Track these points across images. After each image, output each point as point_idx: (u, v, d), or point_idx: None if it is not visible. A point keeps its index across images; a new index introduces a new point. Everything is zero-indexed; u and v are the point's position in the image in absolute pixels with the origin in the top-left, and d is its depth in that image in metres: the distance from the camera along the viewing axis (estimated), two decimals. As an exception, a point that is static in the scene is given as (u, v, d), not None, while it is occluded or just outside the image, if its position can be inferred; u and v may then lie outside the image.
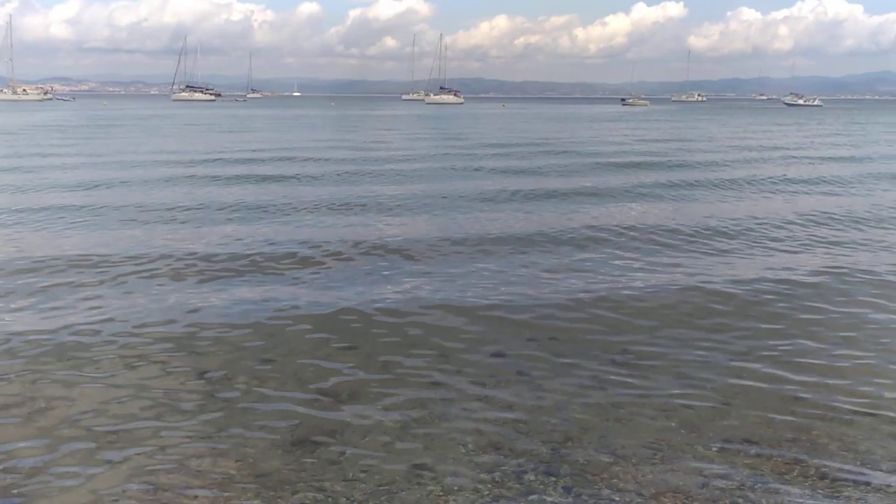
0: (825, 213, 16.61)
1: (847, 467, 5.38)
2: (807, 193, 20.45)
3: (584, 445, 5.72)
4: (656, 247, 12.87)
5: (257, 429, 5.93)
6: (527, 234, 13.96)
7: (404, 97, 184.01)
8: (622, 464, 5.46)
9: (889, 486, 5.14)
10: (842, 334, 8.34)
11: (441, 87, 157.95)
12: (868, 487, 5.11)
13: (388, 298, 9.57)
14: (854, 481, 5.20)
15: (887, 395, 6.67)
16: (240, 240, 13.13)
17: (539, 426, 6.04)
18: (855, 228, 14.87)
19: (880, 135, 53.00)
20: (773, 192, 20.55)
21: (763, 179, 23.49)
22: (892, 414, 6.26)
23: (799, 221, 15.55)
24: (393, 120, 76.54)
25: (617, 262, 11.70)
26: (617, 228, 14.44)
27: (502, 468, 5.37)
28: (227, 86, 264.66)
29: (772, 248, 12.87)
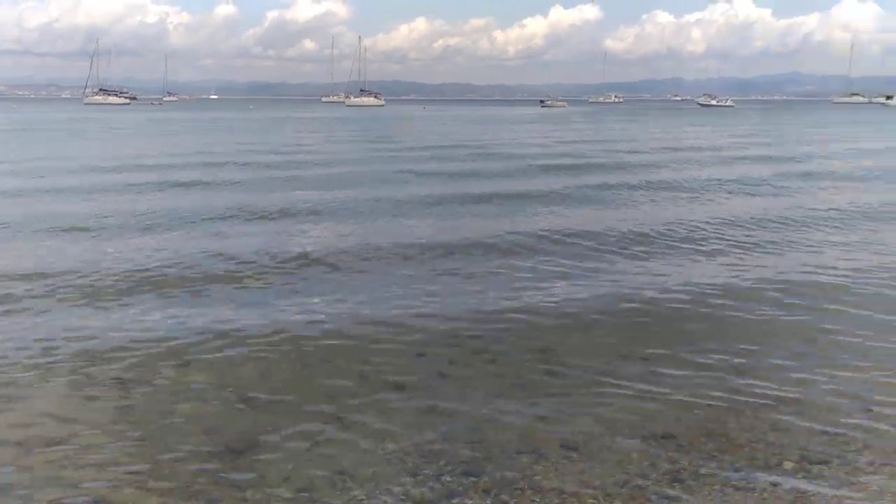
0: (740, 215, 16.87)
1: (758, 460, 5.52)
2: (726, 194, 20.86)
3: (505, 446, 5.73)
4: (580, 251, 12.96)
5: (175, 440, 5.78)
6: (451, 240, 13.84)
7: (324, 99, 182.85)
8: (543, 463, 5.49)
9: (796, 480, 5.29)
10: (755, 334, 8.57)
11: (361, 90, 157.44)
12: (777, 480, 5.25)
13: (310, 308, 9.43)
14: (764, 475, 5.32)
15: (792, 390, 6.88)
16: (151, 252, 12.70)
17: (459, 428, 6.04)
18: (771, 230, 15.19)
19: (793, 134, 54.88)
20: (693, 193, 20.91)
21: (682, 180, 23.99)
22: (799, 408, 6.45)
23: (715, 223, 15.83)
24: (313, 122, 75.92)
25: (540, 266, 11.76)
26: (540, 233, 14.51)
27: (423, 471, 5.35)
28: (143, 89, 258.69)
29: (690, 251, 13.13)
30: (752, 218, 16.38)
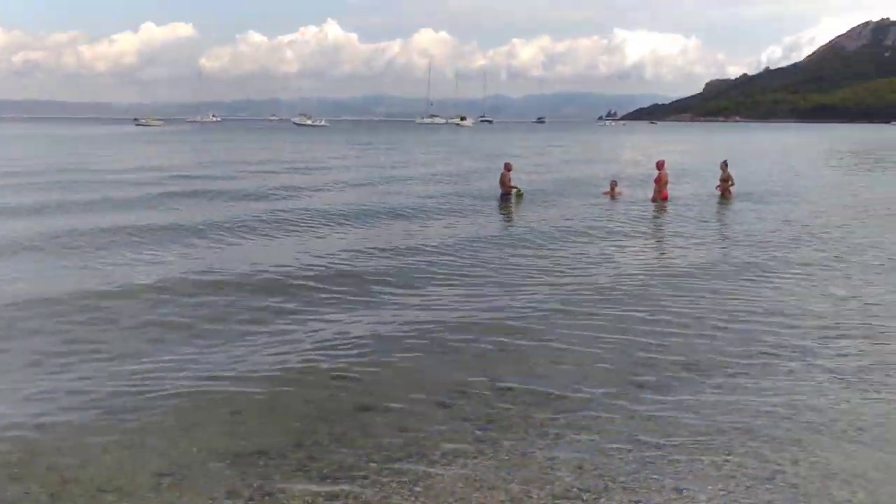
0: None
1: (346, 464, 5.80)
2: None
3: (87, 485, 5.39)
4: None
5: None
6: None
7: None
8: (127, 500, 5.22)
9: (379, 477, 5.71)
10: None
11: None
12: (361, 487, 5.51)
13: None
14: (347, 484, 5.52)
15: (371, 396, 7.40)
16: None
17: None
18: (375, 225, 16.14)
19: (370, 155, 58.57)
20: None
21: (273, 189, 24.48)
22: (382, 412, 6.95)
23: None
24: None
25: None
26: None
27: None
28: None
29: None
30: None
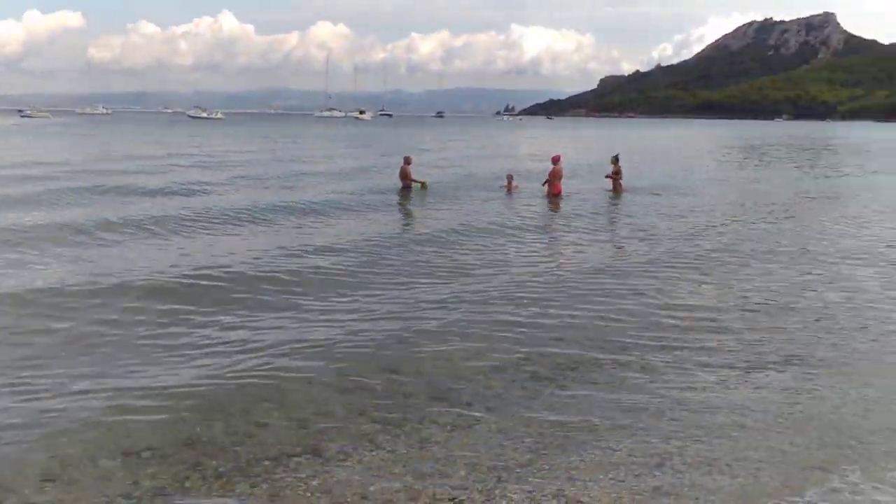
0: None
1: (241, 460, 5.75)
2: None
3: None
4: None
5: None
6: None
7: None
8: (13, 498, 5.11)
9: (281, 473, 5.68)
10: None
11: None
12: (258, 479, 5.52)
13: None
14: (242, 479, 5.49)
15: (266, 391, 7.34)
16: None
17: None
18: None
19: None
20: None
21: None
22: (275, 405, 6.92)
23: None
24: None
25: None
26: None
27: None
28: None
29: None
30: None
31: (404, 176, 24.64)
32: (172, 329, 9.07)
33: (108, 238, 15.25)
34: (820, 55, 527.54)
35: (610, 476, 5.51)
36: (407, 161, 24.92)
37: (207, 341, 8.61)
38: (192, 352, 8.23)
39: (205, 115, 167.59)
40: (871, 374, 7.76)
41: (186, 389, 7.07)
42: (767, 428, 6.39)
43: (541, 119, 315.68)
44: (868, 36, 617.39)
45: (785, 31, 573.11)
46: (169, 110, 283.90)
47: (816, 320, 9.71)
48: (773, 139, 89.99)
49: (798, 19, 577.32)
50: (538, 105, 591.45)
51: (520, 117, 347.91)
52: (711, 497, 5.25)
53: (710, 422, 6.49)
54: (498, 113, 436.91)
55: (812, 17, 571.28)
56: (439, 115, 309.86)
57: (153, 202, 21.13)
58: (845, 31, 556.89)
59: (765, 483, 5.46)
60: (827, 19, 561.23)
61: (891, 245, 15.29)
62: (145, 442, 5.96)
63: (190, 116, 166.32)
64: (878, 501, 5.24)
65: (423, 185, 24.71)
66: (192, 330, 9.05)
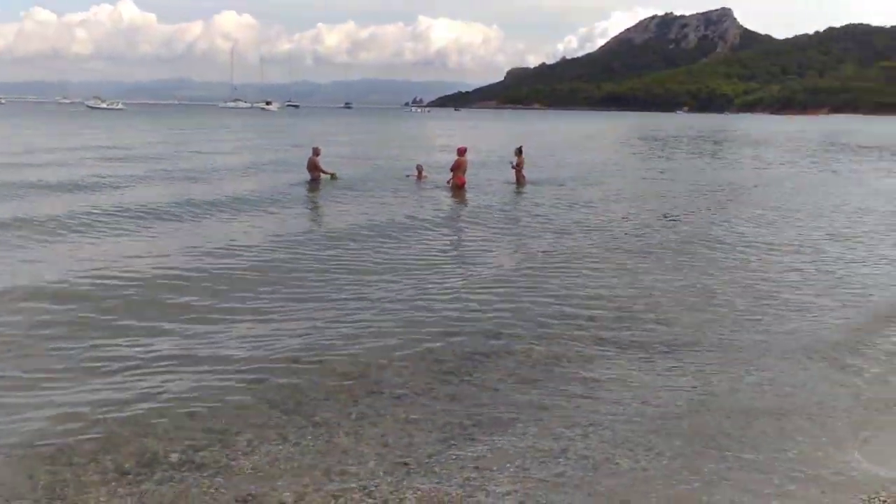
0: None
1: (147, 455, 5.68)
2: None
3: None
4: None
5: None
6: None
7: None
8: None
9: (183, 473, 5.62)
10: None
11: None
12: (167, 474, 5.48)
13: None
14: (148, 470, 5.49)
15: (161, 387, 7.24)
16: None
17: None
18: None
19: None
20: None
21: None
22: (181, 403, 6.84)
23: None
24: None
25: None
26: None
27: None
28: None
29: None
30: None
31: (313, 167, 24.44)
32: (81, 333, 8.81)
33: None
34: (718, 49, 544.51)
35: (516, 464, 5.64)
36: (315, 152, 24.73)
37: (120, 348, 8.40)
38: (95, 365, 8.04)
39: (104, 105, 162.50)
40: (763, 358, 8.16)
41: (95, 386, 6.96)
42: (668, 413, 6.65)
43: (448, 111, 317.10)
44: (763, 31, 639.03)
45: (685, 25, 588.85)
46: (66, 100, 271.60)
47: (717, 308, 10.13)
48: (675, 130, 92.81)
49: (697, 14, 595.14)
50: (447, 97, 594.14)
51: (428, 109, 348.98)
52: (614, 481, 5.44)
53: (613, 409, 6.71)
54: (407, 104, 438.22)
55: (710, 11, 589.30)
56: (347, 105, 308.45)
57: (46, 200, 20.19)
58: (741, 26, 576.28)
59: (665, 466, 5.69)
60: (725, 14, 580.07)
61: (801, 234, 16.12)
62: (45, 435, 5.84)
63: (88, 107, 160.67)
64: (770, 478, 5.53)
65: (333, 175, 24.62)
66: (99, 332, 8.82)
